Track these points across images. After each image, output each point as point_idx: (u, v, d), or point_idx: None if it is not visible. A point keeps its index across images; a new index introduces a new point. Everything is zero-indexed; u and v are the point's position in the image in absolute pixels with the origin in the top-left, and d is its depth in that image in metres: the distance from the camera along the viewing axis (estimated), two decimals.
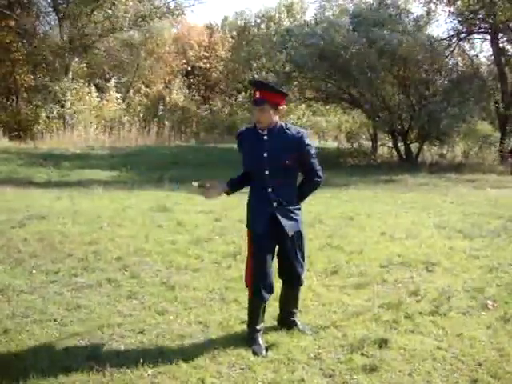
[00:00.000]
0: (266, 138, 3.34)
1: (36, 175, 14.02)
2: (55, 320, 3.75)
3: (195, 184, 3.46)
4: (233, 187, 3.54)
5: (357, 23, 18.08)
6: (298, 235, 3.47)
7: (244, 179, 3.54)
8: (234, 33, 31.28)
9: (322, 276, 4.95)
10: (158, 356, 3.18)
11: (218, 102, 30.90)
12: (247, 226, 3.50)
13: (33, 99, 21.79)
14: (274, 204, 3.34)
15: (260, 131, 3.37)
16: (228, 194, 3.54)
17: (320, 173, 3.50)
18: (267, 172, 3.32)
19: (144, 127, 23.25)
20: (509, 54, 21.38)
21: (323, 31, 18.16)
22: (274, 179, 3.33)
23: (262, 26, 29.37)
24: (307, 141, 3.38)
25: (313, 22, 20.71)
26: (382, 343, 3.38)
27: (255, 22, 30.55)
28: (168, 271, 5.01)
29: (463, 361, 3.22)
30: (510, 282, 4.80)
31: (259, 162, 3.34)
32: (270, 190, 3.34)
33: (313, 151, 3.44)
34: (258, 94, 3.28)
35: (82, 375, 2.93)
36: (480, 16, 20.66)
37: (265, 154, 3.32)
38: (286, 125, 3.40)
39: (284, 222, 3.34)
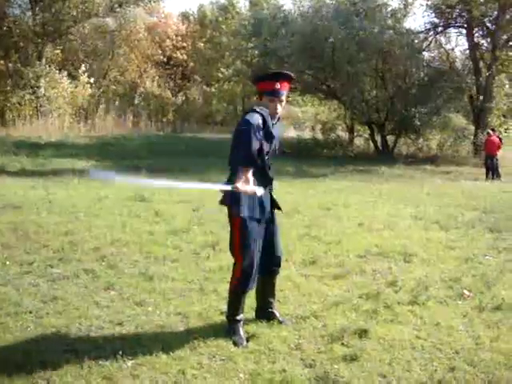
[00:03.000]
0: (275, 124, 3.39)
1: (9, 164, 13.71)
2: (30, 312, 3.65)
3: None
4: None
5: (338, 14, 18.09)
6: (275, 220, 3.52)
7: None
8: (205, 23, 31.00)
9: (301, 266, 4.95)
10: (137, 347, 3.13)
11: (195, 92, 30.65)
12: (236, 215, 3.30)
13: (4, 85, 21.19)
14: (268, 188, 3.41)
15: (271, 118, 3.34)
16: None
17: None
18: (267, 157, 3.38)
19: (120, 116, 22.90)
20: (483, 48, 21.73)
21: (305, 20, 18.13)
22: (269, 165, 3.42)
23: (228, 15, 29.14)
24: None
25: (293, 11, 20.62)
26: (362, 333, 3.40)
27: (222, 11, 30.29)
28: (146, 262, 4.95)
29: (441, 349, 3.27)
30: (484, 272, 4.89)
31: (269, 149, 3.37)
32: (269, 174, 3.41)
33: None
34: (278, 86, 3.29)
35: (59, 369, 2.86)
36: (457, 10, 20.91)
37: (274, 141, 3.39)
38: None
39: (275, 201, 3.48)
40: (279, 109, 3.35)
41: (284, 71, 3.48)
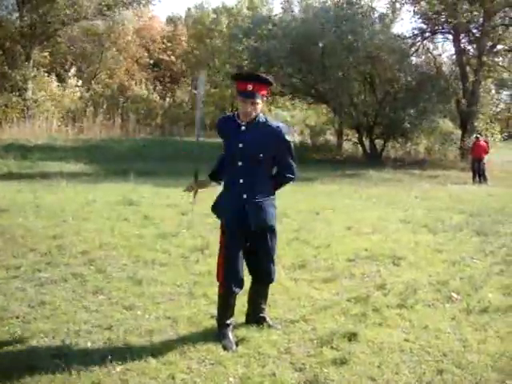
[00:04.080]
0: (243, 128, 3.30)
1: None
2: (17, 317, 3.61)
3: (187, 192, 3.64)
4: (215, 176, 3.57)
5: (327, 18, 18.20)
6: (270, 230, 3.42)
7: (219, 168, 3.55)
8: (199, 26, 30.96)
9: (290, 270, 4.96)
10: (126, 352, 3.11)
11: (182, 94, 30.59)
12: (217, 215, 3.48)
13: None
14: (244, 196, 3.30)
15: (239, 121, 3.33)
16: (219, 183, 3.55)
17: (295, 170, 3.47)
18: (240, 163, 3.29)
19: (108, 119, 22.78)
20: (470, 54, 21.99)
21: (297, 23, 18.20)
22: (246, 171, 3.29)
23: (223, 18, 29.10)
24: (286, 137, 3.35)
25: (282, 14, 20.68)
26: (351, 336, 3.41)
27: (214, 14, 30.27)
28: (135, 266, 4.92)
29: (429, 352, 3.29)
30: (472, 275, 4.94)
31: (233, 153, 3.31)
32: (241, 181, 3.30)
33: (291, 148, 3.42)
34: (250, 87, 3.21)
35: (46, 375, 2.82)
36: (443, 17, 21.15)
37: (240, 145, 3.28)
38: (266, 118, 3.37)
39: (252, 215, 3.29)
40: (249, 110, 3.25)
41: (260, 74, 3.43)
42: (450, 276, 4.87)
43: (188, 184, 3.70)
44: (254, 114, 3.28)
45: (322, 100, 20.91)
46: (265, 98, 3.42)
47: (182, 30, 32.15)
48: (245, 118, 3.30)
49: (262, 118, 3.34)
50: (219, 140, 3.48)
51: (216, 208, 3.49)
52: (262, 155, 3.28)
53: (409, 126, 19.42)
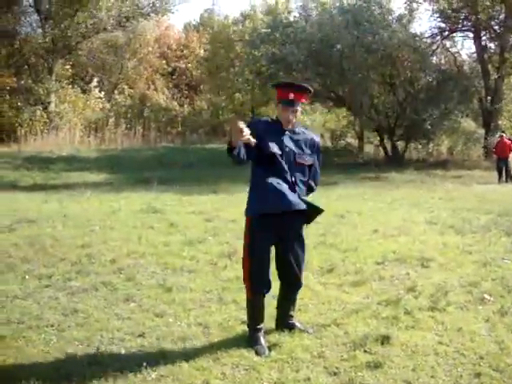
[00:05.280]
0: (287, 133, 3.38)
1: (21, 179, 13.86)
2: (52, 325, 3.67)
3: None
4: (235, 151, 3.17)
5: (346, 20, 18.13)
6: (298, 235, 3.45)
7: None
8: (212, 31, 31.12)
9: (319, 274, 4.95)
10: (160, 359, 3.13)
11: (203, 102, 30.79)
12: (246, 214, 3.39)
13: (16, 101, 21.47)
14: (293, 187, 3.32)
15: (281, 126, 3.39)
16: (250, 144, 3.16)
17: (319, 181, 3.60)
18: (286, 165, 3.33)
19: (129, 129, 23.08)
20: (491, 51, 21.67)
21: (314, 27, 18.16)
22: (291, 173, 3.35)
23: (240, 25, 29.21)
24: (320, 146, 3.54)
25: (299, 19, 20.67)
26: (384, 340, 3.38)
27: (233, 20, 30.38)
28: (163, 273, 4.96)
29: (465, 355, 3.24)
30: (503, 275, 4.85)
31: (278, 154, 3.31)
32: (287, 177, 3.32)
33: (321, 159, 3.56)
34: (291, 96, 3.32)
35: (84, 381, 2.87)
36: (463, 14, 20.90)
37: (287, 149, 3.34)
38: (302, 127, 3.50)
39: (297, 199, 3.29)
40: (291, 118, 3.37)
41: (301, 83, 3.51)
42: (481, 277, 4.79)
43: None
44: (294, 120, 3.40)
45: (342, 103, 20.82)
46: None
47: (200, 38, 32.35)
48: (286, 125, 3.39)
49: (299, 125, 3.47)
50: None
51: (250, 206, 3.38)
52: (307, 159, 3.41)
53: (430, 127, 19.18)
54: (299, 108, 3.40)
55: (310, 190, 3.54)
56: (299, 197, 3.34)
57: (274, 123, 3.44)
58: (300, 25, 19.36)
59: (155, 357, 3.17)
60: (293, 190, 3.33)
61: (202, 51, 31.08)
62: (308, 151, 3.42)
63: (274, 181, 3.30)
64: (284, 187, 3.30)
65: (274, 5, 27.73)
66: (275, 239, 3.39)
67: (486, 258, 5.49)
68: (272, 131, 3.37)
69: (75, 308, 3.99)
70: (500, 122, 20.58)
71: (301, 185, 3.40)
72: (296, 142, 3.39)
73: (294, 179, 3.35)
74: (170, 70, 31.15)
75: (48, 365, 3.07)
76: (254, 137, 3.10)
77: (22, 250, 5.70)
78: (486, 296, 4.26)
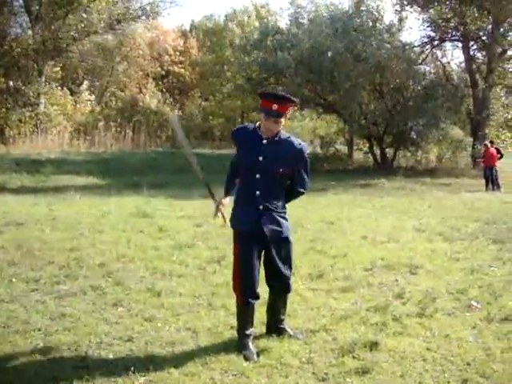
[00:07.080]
0: (265, 142, 3.33)
1: (10, 181, 13.73)
2: (39, 329, 3.63)
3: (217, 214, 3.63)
4: (230, 192, 3.57)
5: (336, 28, 18.29)
6: (285, 241, 3.46)
7: (234, 178, 3.54)
8: (204, 36, 31.19)
9: (308, 280, 4.95)
10: (148, 364, 3.12)
11: (193, 107, 30.79)
12: (232, 227, 3.49)
13: (5, 103, 21.29)
14: (260, 207, 3.35)
15: (261, 134, 3.36)
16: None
17: (308, 185, 3.56)
18: (258, 176, 3.32)
19: (119, 132, 22.98)
20: (479, 60, 21.95)
21: (305, 34, 18.27)
22: (263, 184, 3.33)
23: (233, 28, 29.27)
24: (306, 154, 3.44)
25: (290, 26, 20.80)
26: (373, 346, 3.39)
27: (225, 25, 30.46)
28: (152, 277, 4.94)
29: (452, 361, 3.26)
30: (491, 283, 4.89)
31: (252, 165, 3.33)
32: (258, 193, 3.34)
33: (308, 165, 3.49)
34: (275, 107, 3.24)
35: None
36: (452, 24, 21.15)
37: (260, 158, 3.31)
38: (287, 135, 3.40)
39: (267, 227, 3.34)
40: (273, 128, 3.31)
41: (285, 94, 3.41)
42: (469, 284, 4.83)
43: (213, 208, 3.63)
44: (275, 130, 3.34)
45: (332, 110, 20.95)
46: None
47: (193, 42, 32.39)
48: (266, 134, 3.34)
49: (283, 133, 3.39)
50: (228, 152, 3.49)
51: (231, 220, 3.51)
52: (281, 170, 3.33)
53: (417, 135, 19.39)
54: (282, 119, 3.31)
55: (297, 194, 3.56)
56: (264, 212, 3.34)
57: (254, 131, 3.40)
58: (291, 32, 19.47)
59: (144, 362, 3.16)
60: (260, 208, 3.34)
61: (199, 55, 31.10)
62: (287, 160, 3.34)
63: (243, 200, 3.40)
64: (251, 209, 3.34)
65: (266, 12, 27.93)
66: (262, 247, 3.41)
67: (473, 265, 5.54)
68: (251, 141, 3.37)
69: (63, 312, 3.95)
70: (487, 131, 20.81)
71: (272, 199, 3.36)
72: (274, 151, 3.31)
73: (264, 193, 3.33)
74: (163, 73, 31.09)
75: (34, 369, 3.04)
76: (238, 146, 3.42)
77: (10, 253, 5.64)
78: (473, 303, 4.29)
